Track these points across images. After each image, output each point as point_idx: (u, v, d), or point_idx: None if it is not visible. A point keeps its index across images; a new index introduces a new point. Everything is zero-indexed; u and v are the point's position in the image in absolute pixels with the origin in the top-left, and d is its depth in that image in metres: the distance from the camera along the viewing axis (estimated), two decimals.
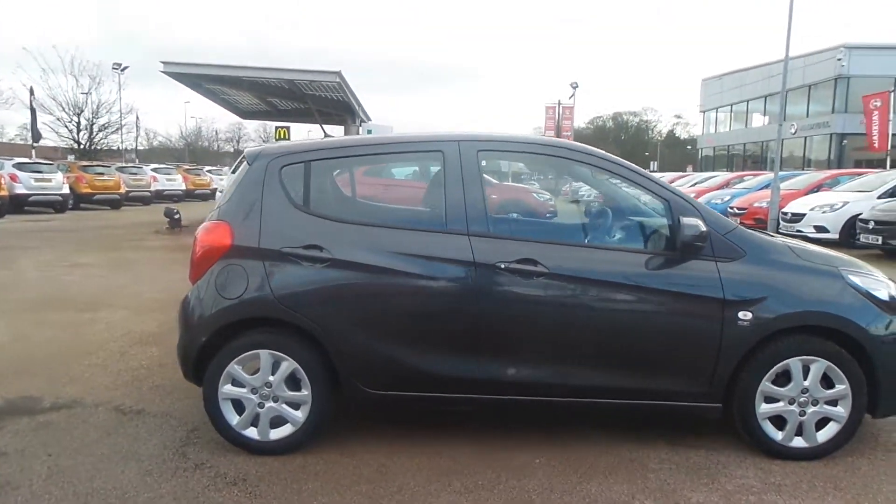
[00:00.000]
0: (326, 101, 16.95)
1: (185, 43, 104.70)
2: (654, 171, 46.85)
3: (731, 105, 43.83)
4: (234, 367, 3.13)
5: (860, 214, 11.41)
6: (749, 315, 3.03)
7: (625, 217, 3.37)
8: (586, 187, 4.23)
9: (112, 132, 38.44)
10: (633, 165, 3.26)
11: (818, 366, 3.08)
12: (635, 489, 2.87)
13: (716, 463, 3.12)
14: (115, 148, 39.33)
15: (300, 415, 3.15)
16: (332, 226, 3.16)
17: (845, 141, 31.91)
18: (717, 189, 20.70)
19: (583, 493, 2.84)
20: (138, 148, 41.81)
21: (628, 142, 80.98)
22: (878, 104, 25.03)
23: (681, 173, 32.30)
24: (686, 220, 2.96)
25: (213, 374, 3.14)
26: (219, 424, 3.18)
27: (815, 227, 12.47)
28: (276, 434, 3.17)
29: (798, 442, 3.13)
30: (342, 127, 18.93)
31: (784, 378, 3.10)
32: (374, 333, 3.09)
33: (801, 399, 3.10)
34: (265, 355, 3.11)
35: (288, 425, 3.17)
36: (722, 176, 24.49)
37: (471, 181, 3.15)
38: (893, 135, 24.05)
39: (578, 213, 3.55)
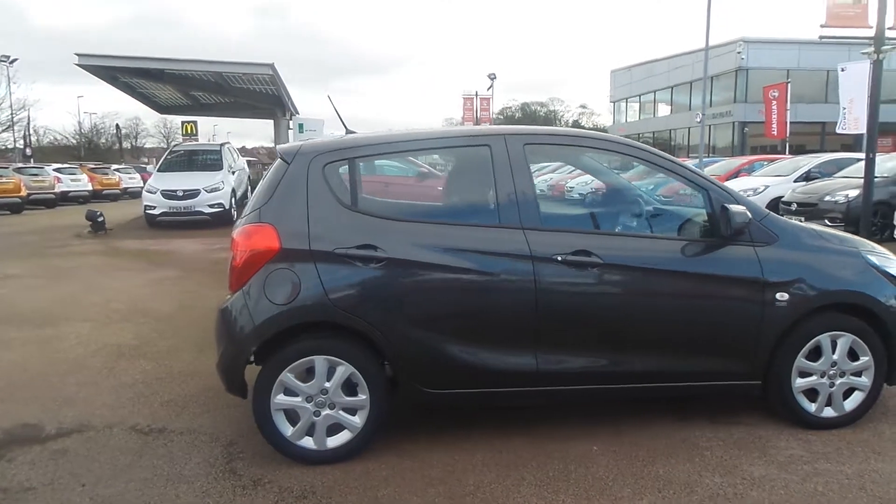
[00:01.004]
0: (256, 94, 16.34)
1: (66, 28, 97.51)
2: None
3: (640, 95, 45.84)
4: (287, 376, 2.99)
5: (782, 197, 12.26)
6: (786, 296, 3.21)
7: (666, 206, 3.47)
8: (589, 178, 4.32)
9: (2, 130, 35.41)
10: (672, 157, 3.37)
11: (845, 340, 3.31)
12: (698, 467, 2.99)
13: (758, 437, 3.29)
14: (8, 147, 36.24)
15: (358, 420, 3.06)
16: (383, 224, 3.08)
17: (747, 129, 34.12)
18: (638, 180, 21.74)
19: (652, 476, 2.92)
20: (30, 146, 38.53)
21: None
22: (777, 94, 26.90)
23: None
24: (734, 208, 3.10)
25: (263, 384, 2.99)
26: (272, 437, 3.04)
27: None
28: (334, 442, 3.06)
29: (828, 412, 3.36)
30: (271, 121, 18.32)
31: (815, 353, 3.31)
32: (433, 332, 3.05)
33: (831, 372, 3.32)
34: (320, 361, 3.00)
35: (345, 432, 3.07)
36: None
37: (520, 174, 3.15)
38: (791, 123, 25.99)
39: (623, 204, 3.62)
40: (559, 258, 3.07)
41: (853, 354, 3.34)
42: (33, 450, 3.30)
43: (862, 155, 11.37)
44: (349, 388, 3.04)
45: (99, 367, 4.61)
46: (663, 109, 44.74)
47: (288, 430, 3.03)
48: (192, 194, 13.94)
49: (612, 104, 51.27)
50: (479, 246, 3.07)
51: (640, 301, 3.18)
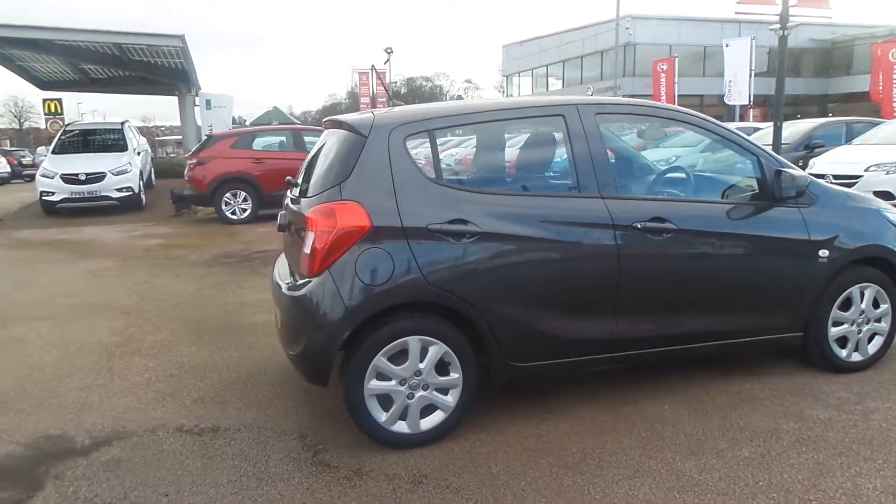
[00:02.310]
0: (158, 68, 15.08)
1: None
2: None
3: (532, 69, 46.98)
4: (381, 360, 2.86)
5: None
6: (827, 252, 3.47)
7: (724, 172, 3.61)
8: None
9: None
10: (724, 125, 3.50)
11: (871, 291, 3.64)
12: (770, 415, 3.19)
13: (801, 385, 3.55)
14: None
15: (451, 399, 2.99)
16: (470, 196, 3.00)
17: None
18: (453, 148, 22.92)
19: (735, 427, 3.08)
20: None
21: None
22: (665, 68, 28.59)
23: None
24: (794, 172, 3.29)
25: (355, 370, 2.84)
26: (366, 425, 2.91)
27: None
28: (427, 423, 2.98)
29: (855, 356, 3.69)
30: (176, 97, 16.98)
31: (846, 304, 3.61)
32: (523, 304, 3.02)
33: (859, 320, 3.65)
34: (414, 342, 2.89)
35: (438, 412, 2.99)
36: None
37: (595, 144, 3.16)
38: (679, 96, 27.72)
39: (679, 170, 3.72)
40: (638, 225, 3.13)
41: (875, 303, 3.67)
42: (78, 463, 2.95)
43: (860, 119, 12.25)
44: (441, 367, 2.96)
45: (94, 368, 4.17)
46: (555, 83, 46.17)
47: (382, 415, 2.91)
48: (97, 178, 12.74)
49: (504, 78, 52.20)
50: (562, 216, 3.07)
51: (707, 263, 3.32)
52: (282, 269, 3.64)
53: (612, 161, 3.24)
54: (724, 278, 3.36)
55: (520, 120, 3.31)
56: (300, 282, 2.97)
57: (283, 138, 12.35)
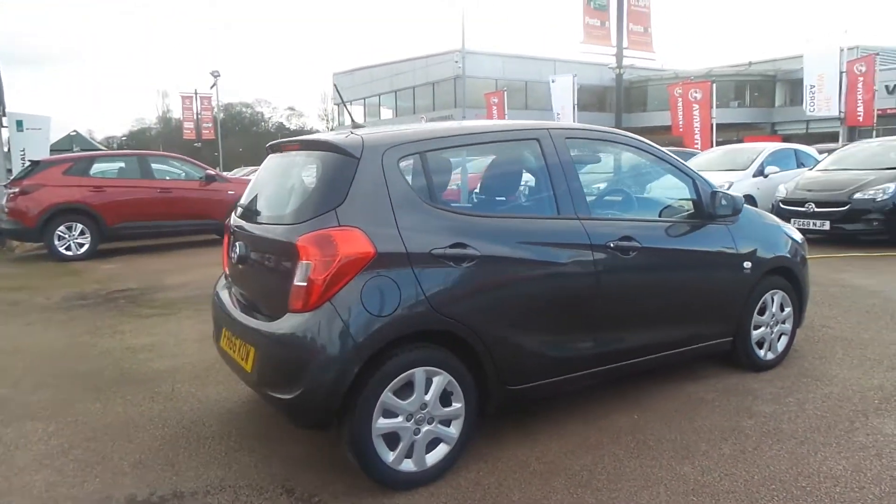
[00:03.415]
0: None
1: None
2: None
3: (364, 98, 47.43)
4: (388, 396, 2.69)
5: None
6: (749, 264, 3.90)
7: (668, 193, 3.88)
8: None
9: None
10: (666, 151, 3.80)
11: (779, 296, 4.15)
12: (728, 414, 3.47)
13: (735, 385, 3.90)
14: None
15: (454, 431, 2.88)
16: (466, 220, 2.94)
17: None
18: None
19: (706, 429, 3.31)
20: None
21: (243, 133, 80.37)
22: (496, 101, 30.43)
23: None
24: (731, 193, 3.66)
25: (363, 409, 2.64)
26: (373, 467, 2.70)
27: None
28: (432, 459, 2.84)
29: (769, 356, 4.15)
30: None
31: (762, 309, 4.07)
32: (517, 326, 3.01)
33: (771, 322, 4.13)
34: (420, 374, 2.75)
35: (442, 445, 2.87)
36: None
37: (568, 167, 3.27)
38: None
39: (631, 192, 3.92)
40: (611, 244, 3.28)
41: (781, 307, 4.19)
42: None
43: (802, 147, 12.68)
44: (444, 398, 2.85)
45: (108, 440, 3.41)
46: (387, 112, 47.01)
47: (390, 455, 2.72)
48: None
49: (336, 106, 52.10)
50: (549, 238, 3.13)
51: (665, 278, 3.57)
52: (231, 304, 3.30)
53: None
54: (680, 291, 3.64)
55: (501, 143, 3.33)
56: (289, 317, 2.69)
57: (126, 164, 11.19)
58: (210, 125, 42.65)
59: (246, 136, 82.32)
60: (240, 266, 3.15)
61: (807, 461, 2.96)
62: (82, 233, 10.16)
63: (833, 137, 24.82)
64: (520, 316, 3.02)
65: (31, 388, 4.24)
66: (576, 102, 23.98)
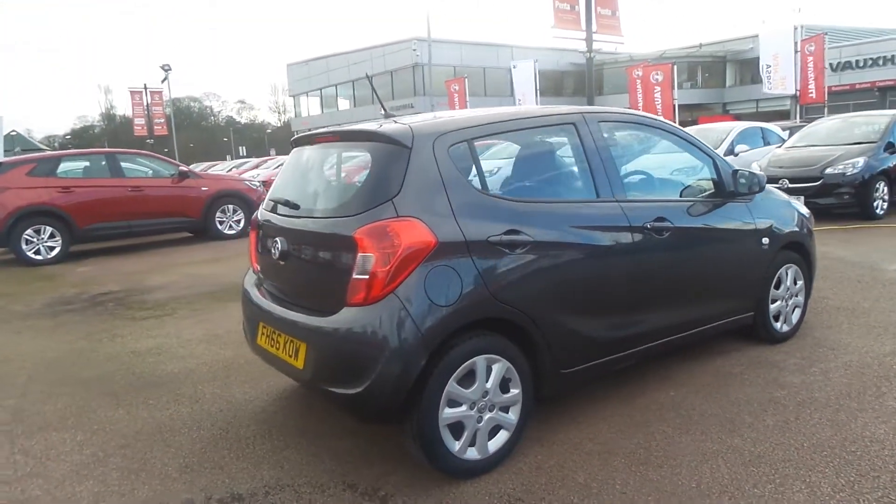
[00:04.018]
0: None
1: None
2: (244, 157, 46.95)
3: (321, 89, 46.71)
4: (453, 386, 2.67)
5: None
6: (767, 240, 4.00)
7: (691, 174, 3.93)
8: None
9: None
10: (690, 134, 3.86)
11: (792, 270, 4.27)
12: (758, 387, 3.57)
13: (758, 357, 4.01)
14: None
15: (513, 417, 2.89)
16: (516, 206, 2.93)
17: None
18: (252, 168, 24.50)
19: (743, 402, 3.39)
20: None
21: (193, 128, 78.52)
22: (457, 88, 30.37)
23: (265, 157, 33.41)
24: (753, 172, 3.74)
25: (430, 400, 2.62)
26: (440, 458, 2.69)
27: None
28: (494, 446, 2.84)
29: (784, 328, 4.28)
30: None
31: (777, 283, 4.19)
32: (570, 310, 3.03)
33: (786, 296, 4.26)
34: (481, 362, 2.74)
35: (502, 432, 2.87)
36: (254, 160, 28.39)
37: (604, 150, 3.29)
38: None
39: (664, 173, 3.95)
40: (647, 226, 3.32)
41: (794, 280, 4.32)
42: None
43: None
44: (503, 385, 2.85)
45: (143, 446, 3.27)
46: (344, 103, 46.44)
47: (455, 445, 2.71)
48: None
49: (291, 98, 51.18)
50: (593, 221, 3.15)
51: (696, 256, 3.64)
52: (267, 300, 3.23)
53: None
54: (709, 268, 3.72)
55: (541, 128, 3.31)
56: (349, 311, 2.64)
57: (94, 163, 10.77)
58: (162, 121, 41.38)
59: (196, 131, 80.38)
60: (281, 261, 3.07)
61: (849, 427, 3.07)
62: (52, 236, 9.77)
63: (783, 115, 25.69)
64: (570, 299, 3.04)
65: (41, 397, 4.07)
66: (538, 87, 24.12)
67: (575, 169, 3.27)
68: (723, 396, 3.49)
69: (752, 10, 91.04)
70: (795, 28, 19.28)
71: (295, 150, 3.49)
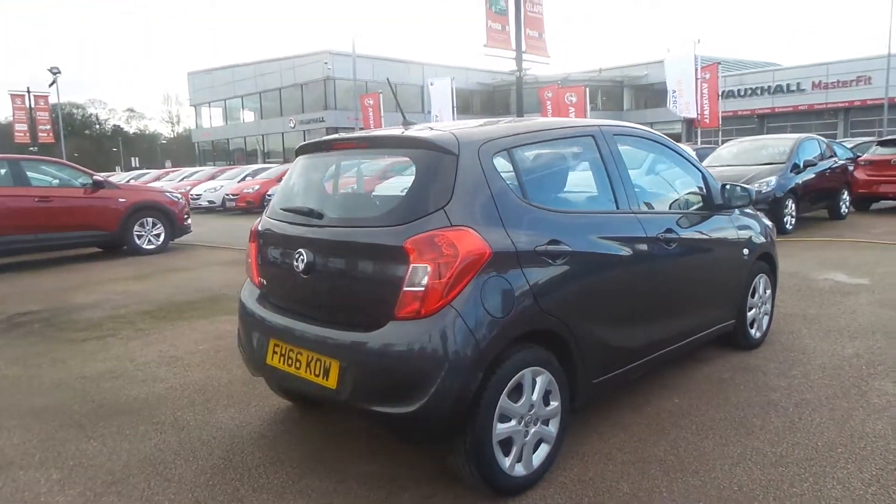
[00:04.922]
0: None
1: None
2: (138, 168, 44.35)
3: (225, 100, 45.01)
4: (505, 400, 2.60)
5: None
6: (747, 251, 4.23)
7: (687, 187, 4.06)
8: None
9: None
10: (683, 149, 4.01)
11: (764, 280, 4.54)
12: (754, 391, 3.73)
13: (740, 363, 4.21)
14: None
15: (553, 429, 2.85)
16: (555, 216, 2.91)
17: (339, 133, 37.13)
18: (208, 181, 23.32)
19: (745, 405, 3.54)
20: None
21: (77, 136, 73.46)
22: (371, 103, 30.23)
23: (165, 169, 31.86)
24: (742, 186, 3.94)
25: (485, 415, 2.53)
26: (493, 476, 2.59)
27: (208, 201, 20.45)
28: (537, 460, 2.79)
29: (757, 334, 4.53)
30: None
31: (752, 293, 4.43)
32: (600, 320, 3.05)
33: (759, 304, 4.51)
34: (528, 375, 2.69)
35: (543, 446, 2.82)
36: (208, 170, 27.31)
37: (620, 162, 3.35)
38: (387, 127, 29.55)
39: (661, 186, 4.03)
40: (660, 236, 3.41)
41: (765, 289, 4.58)
42: None
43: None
44: (545, 397, 2.81)
45: (138, 482, 2.83)
46: (249, 115, 45.00)
47: (506, 461, 2.63)
48: None
49: (192, 108, 48.96)
50: (617, 231, 3.19)
51: (698, 265, 3.80)
52: (277, 315, 3.02)
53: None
54: (707, 277, 3.89)
55: (563, 140, 3.32)
56: (397, 325, 2.51)
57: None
58: (48, 127, 38.30)
59: (81, 140, 75.01)
60: (304, 274, 2.87)
61: (850, 425, 3.26)
62: None
63: (675, 139, 27.53)
64: (601, 309, 3.05)
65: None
66: (455, 104, 24.46)
67: (598, 180, 3.31)
68: (724, 401, 3.62)
69: (652, 38, 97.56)
70: (696, 57, 20.75)
71: (302, 157, 3.31)
